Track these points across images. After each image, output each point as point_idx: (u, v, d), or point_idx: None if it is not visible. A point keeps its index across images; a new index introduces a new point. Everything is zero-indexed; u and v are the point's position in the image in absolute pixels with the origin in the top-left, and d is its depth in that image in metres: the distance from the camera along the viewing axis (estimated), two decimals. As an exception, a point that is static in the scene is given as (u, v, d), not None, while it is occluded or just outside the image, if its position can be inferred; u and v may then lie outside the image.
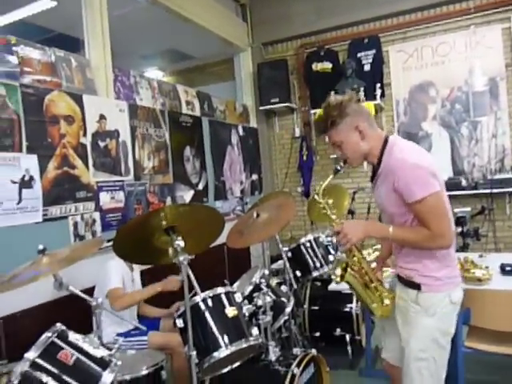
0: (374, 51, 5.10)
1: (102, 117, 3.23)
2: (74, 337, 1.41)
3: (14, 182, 2.58)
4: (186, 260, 1.80)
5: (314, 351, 2.24)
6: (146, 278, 2.92)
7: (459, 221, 3.91)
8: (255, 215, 2.70)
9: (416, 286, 1.76)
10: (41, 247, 1.60)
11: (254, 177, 5.46)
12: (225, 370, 2.04)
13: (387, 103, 5.11)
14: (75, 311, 2.16)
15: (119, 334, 2.52)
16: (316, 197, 1.84)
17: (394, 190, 1.70)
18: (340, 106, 1.73)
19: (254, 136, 5.54)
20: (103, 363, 1.41)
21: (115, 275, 2.52)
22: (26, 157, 2.65)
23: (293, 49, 5.55)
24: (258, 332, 2.03)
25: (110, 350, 1.46)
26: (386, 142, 1.77)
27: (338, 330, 3.40)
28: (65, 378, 1.32)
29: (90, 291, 2.50)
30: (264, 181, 5.65)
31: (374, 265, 2.02)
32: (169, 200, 3.87)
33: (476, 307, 2.42)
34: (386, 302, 1.90)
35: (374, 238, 2.12)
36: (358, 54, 5.17)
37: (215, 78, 6.03)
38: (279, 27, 5.46)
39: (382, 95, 5.00)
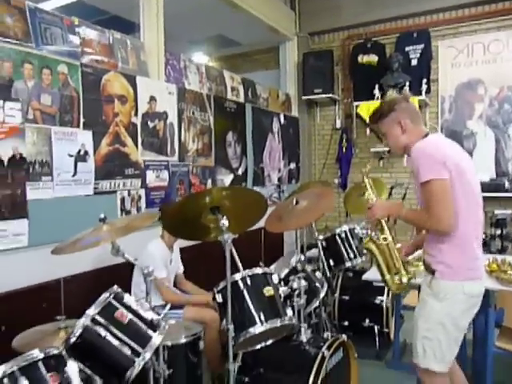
0: (422, 46, 5.01)
1: (153, 98, 3.37)
2: (128, 299, 1.55)
3: (71, 156, 2.76)
4: (229, 238, 1.90)
5: (344, 336, 2.31)
6: (186, 255, 3.07)
7: (498, 223, 3.85)
8: (294, 202, 2.77)
9: (432, 272, 1.94)
10: (102, 216, 1.74)
11: (292, 165, 5.51)
12: (258, 347, 2.14)
13: (432, 99, 5.03)
14: (119, 278, 2.33)
15: (156, 307, 2.66)
16: (364, 178, 2.16)
17: (414, 176, 1.93)
18: (390, 102, 2.05)
19: (294, 125, 5.58)
20: (153, 325, 1.54)
21: (161, 264, 2.66)
22: (82, 132, 2.82)
23: (339, 40, 5.53)
24: (292, 313, 2.12)
25: (158, 314, 1.59)
26: (424, 138, 1.97)
27: (367, 320, 3.46)
28: (120, 334, 1.46)
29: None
30: (301, 170, 5.70)
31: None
32: (209, 182, 4.00)
33: (510, 308, 2.42)
34: (404, 280, 2.06)
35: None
36: (406, 48, 5.09)
37: (260, 65, 6.08)
38: (327, 17, 5.45)
39: (428, 91, 4.92)
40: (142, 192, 3.29)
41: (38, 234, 2.53)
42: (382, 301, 3.43)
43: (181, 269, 3.00)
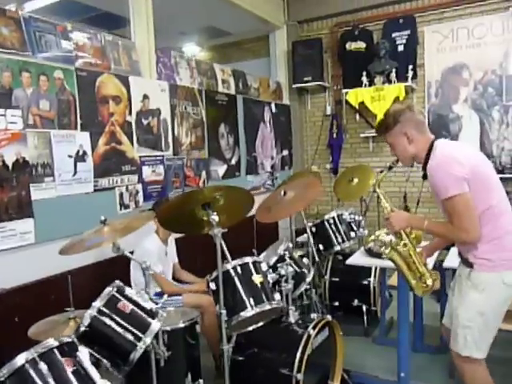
0: (408, 31, 5.12)
1: (146, 97, 3.51)
2: (129, 291, 1.75)
3: (70, 156, 2.93)
4: (219, 232, 2.09)
5: (328, 317, 2.52)
6: (181, 246, 3.27)
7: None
8: (282, 193, 2.95)
9: (470, 265, 2.00)
10: (102, 218, 1.92)
11: (285, 153, 5.68)
12: (250, 328, 2.35)
13: (419, 84, 5.16)
14: (118, 269, 2.54)
15: (157, 294, 2.88)
16: (376, 189, 2.18)
17: (433, 189, 2.00)
18: (395, 114, 2.06)
19: (286, 113, 5.72)
20: (152, 314, 1.74)
21: (156, 259, 2.82)
22: (80, 134, 2.99)
23: (328, 27, 5.63)
24: (279, 297, 2.32)
25: (156, 304, 1.79)
26: (431, 146, 2.02)
27: (356, 300, 3.67)
28: (123, 323, 1.66)
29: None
30: (294, 157, 5.86)
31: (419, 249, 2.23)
32: (203, 174, 4.18)
33: None
34: (429, 282, 2.15)
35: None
36: (393, 34, 5.20)
37: (251, 54, 6.18)
38: (315, 5, 5.53)
39: (414, 76, 5.05)
40: (140, 187, 3.47)
41: (44, 231, 2.72)
42: (369, 282, 3.64)
43: (176, 260, 3.20)
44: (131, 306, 1.70)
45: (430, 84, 5.14)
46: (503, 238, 1.94)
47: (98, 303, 1.66)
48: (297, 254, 3.06)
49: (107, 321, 1.64)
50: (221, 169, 4.43)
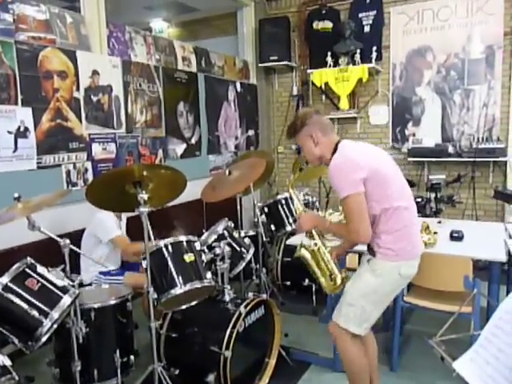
0: (375, 12, 5.09)
1: (95, 72, 3.44)
2: (41, 269, 1.75)
3: (10, 133, 2.87)
4: (145, 211, 2.09)
5: (264, 296, 2.55)
6: (131, 225, 3.25)
7: (433, 187, 4.09)
8: (227, 173, 2.95)
9: (373, 253, 2.08)
10: (16, 195, 1.90)
11: (251, 132, 5.65)
12: (183, 307, 2.37)
13: (384, 66, 5.15)
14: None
15: (101, 273, 2.88)
16: (289, 189, 2.35)
17: None
18: (302, 117, 2.13)
19: (252, 92, 5.67)
20: (64, 290, 1.75)
21: (113, 224, 2.86)
22: (21, 109, 2.92)
23: (296, 5, 5.55)
24: (211, 275, 2.34)
25: (73, 281, 1.79)
26: (336, 147, 2.06)
27: (307, 280, 3.73)
28: (30, 299, 1.67)
29: (79, 233, 2.88)
30: (260, 137, 5.84)
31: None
32: (160, 152, 4.14)
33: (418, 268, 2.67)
34: (338, 281, 2.23)
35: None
36: (360, 15, 5.16)
37: (219, 31, 6.07)
38: (284, -18, 5.44)
39: (379, 58, 5.03)
40: (89, 164, 3.42)
41: (-20, 207, 2.68)
42: (319, 262, 3.68)
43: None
44: (41, 283, 1.70)
45: (395, 66, 5.13)
46: (402, 231, 2.03)
47: (4, 279, 1.66)
48: (241, 233, 3.08)
49: (13, 297, 1.64)
50: (179, 148, 4.39)
